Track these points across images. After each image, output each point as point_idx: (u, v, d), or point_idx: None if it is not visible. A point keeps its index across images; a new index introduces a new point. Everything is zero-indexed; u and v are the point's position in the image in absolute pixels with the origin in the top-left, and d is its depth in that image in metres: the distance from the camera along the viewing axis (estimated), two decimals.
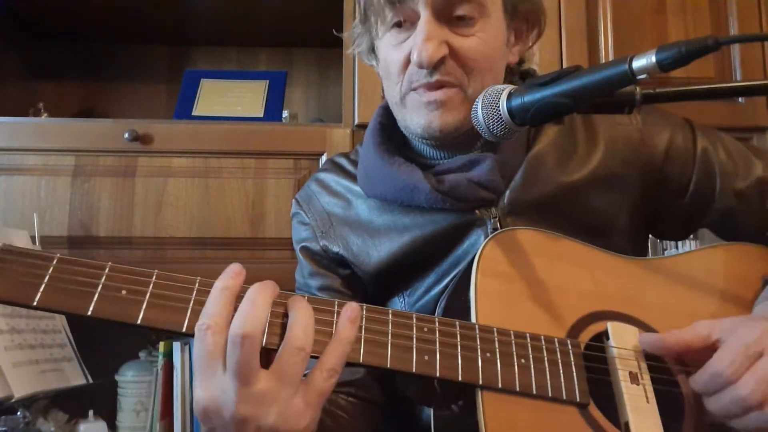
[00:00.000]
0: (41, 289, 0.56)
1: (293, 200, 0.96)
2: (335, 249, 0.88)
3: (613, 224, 0.84)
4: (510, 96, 0.66)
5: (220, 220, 1.41)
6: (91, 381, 1.26)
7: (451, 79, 0.77)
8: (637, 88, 0.60)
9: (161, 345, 1.42)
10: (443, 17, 0.76)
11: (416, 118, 0.79)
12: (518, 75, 0.89)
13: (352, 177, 0.91)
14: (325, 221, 0.90)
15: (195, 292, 0.59)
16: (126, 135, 1.39)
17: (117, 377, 1.45)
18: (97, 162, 1.41)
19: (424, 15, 0.75)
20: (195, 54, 1.91)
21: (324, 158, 1.44)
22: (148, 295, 0.58)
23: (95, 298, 0.56)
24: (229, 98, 1.61)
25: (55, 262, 0.57)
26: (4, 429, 1.10)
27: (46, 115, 1.68)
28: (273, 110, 1.58)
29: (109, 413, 1.40)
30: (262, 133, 1.45)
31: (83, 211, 1.40)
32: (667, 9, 1.56)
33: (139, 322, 0.57)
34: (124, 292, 0.57)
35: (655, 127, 0.87)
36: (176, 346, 1.40)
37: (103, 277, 0.58)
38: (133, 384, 1.43)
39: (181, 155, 1.43)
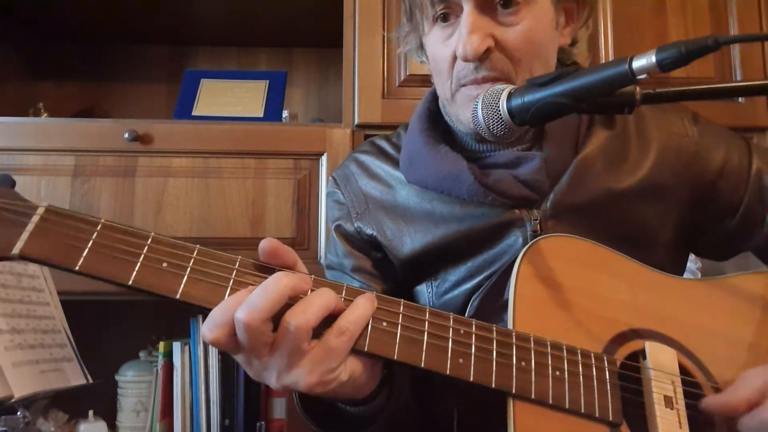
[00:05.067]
0: (84, 254, 0.55)
1: (330, 178, 0.94)
2: (369, 231, 0.87)
3: (656, 237, 0.82)
4: (510, 96, 0.66)
5: (220, 220, 1.41)
6: (91, 381, 1.26)
7: (497, 74, 0.75)
8: (637, 88, 0.60)
9: (161, 345, 1.42)
10: (487, 7, 0.74)
11: (468, 113, 0.76)
12: (569, 61, 0.86)
13: (393, 161, 0.89)
14: (362, 202, 0.89)
15: (235, 272, 0.58)
16: (126, 135, 1.39)
17: (117, 377, 1.45)
18: (97, 162, 1.41)
19: (467, 7, 0.74)
20: (195, 54, 1.91)
21: (324, 158, 1.44)
22: (188, 270, 0.56)
23: (137, 268, 0.55)
24: (229, 98, 1.61)
25: (99, 227, 0.57)
26: (4, 429, 1.09)
27: (46, 115, 1.68)
28: (273, 110, 1.58)
29: (109, 413, 1.40)
30: (262, 133, 1.45)
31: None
32: (667, 9, 1.56)
33: (178, 296, 0.55)
34: (165, 264, 0.56)
35: (712, 141, 0.85)
36: (176, 346, 1.40)
37: (146, 248, 0.56)
38: (133, 384, 1.44)
39: (181, 155, 1.43)
